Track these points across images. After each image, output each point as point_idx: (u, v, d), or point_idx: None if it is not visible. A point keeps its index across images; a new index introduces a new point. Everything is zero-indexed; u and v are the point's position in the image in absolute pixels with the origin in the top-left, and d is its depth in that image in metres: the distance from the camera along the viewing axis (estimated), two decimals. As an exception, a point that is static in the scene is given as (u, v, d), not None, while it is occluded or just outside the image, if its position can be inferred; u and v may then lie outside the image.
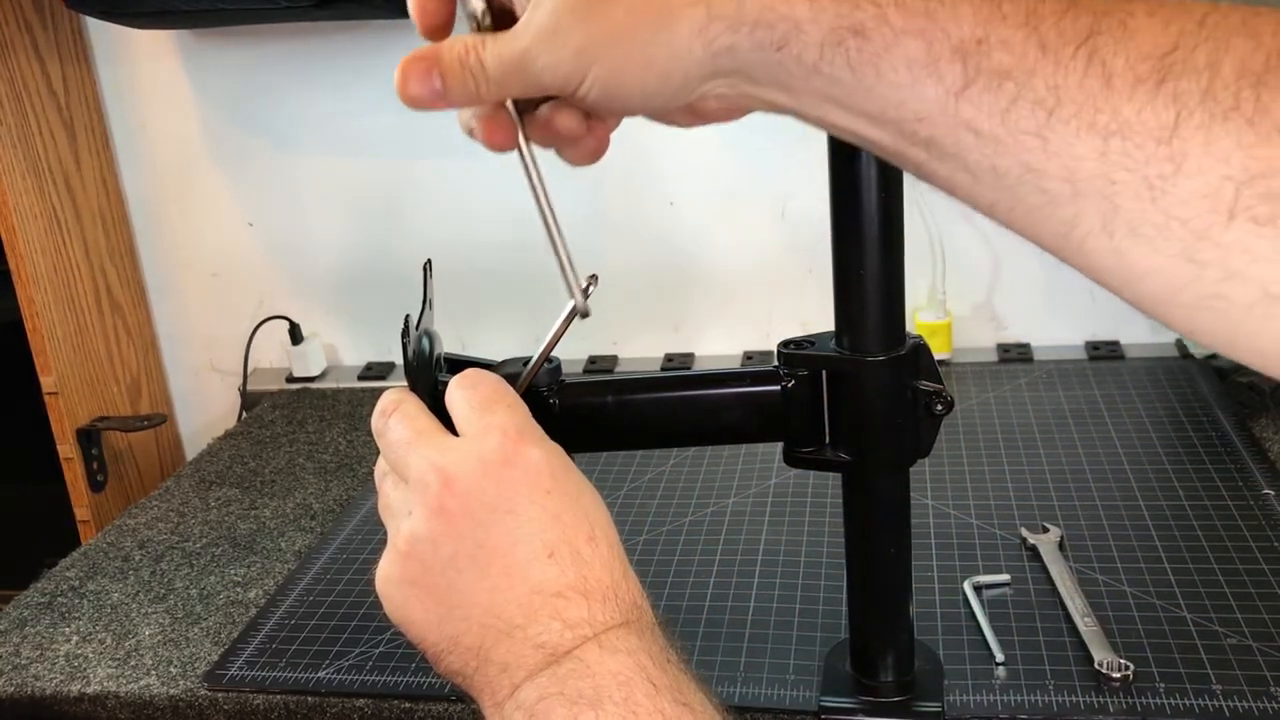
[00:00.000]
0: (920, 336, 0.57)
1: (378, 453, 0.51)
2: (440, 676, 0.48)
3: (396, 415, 0.50)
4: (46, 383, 1.18)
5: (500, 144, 0.46)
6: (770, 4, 0.38)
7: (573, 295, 0.50)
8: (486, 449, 0.47)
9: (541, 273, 1.25)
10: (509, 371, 0.58)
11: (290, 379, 1.29)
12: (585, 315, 0.52)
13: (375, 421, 0.51)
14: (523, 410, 0.49)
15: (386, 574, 0.48)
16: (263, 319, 1.29)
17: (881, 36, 0.36)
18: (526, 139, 0.46)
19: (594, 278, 0.51)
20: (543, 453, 0.47)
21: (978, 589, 0.74)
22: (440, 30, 0.46)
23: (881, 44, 0.37)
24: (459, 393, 0.50)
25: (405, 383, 0.54)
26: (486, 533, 0.45)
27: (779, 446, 0.60)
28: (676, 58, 0.39)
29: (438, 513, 0.46)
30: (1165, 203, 0.34)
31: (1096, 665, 0.65)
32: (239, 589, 0.86)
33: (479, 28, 0.45)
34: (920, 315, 1.15)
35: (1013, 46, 0.35)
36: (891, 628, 0.64)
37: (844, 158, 0.54)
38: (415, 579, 0.46)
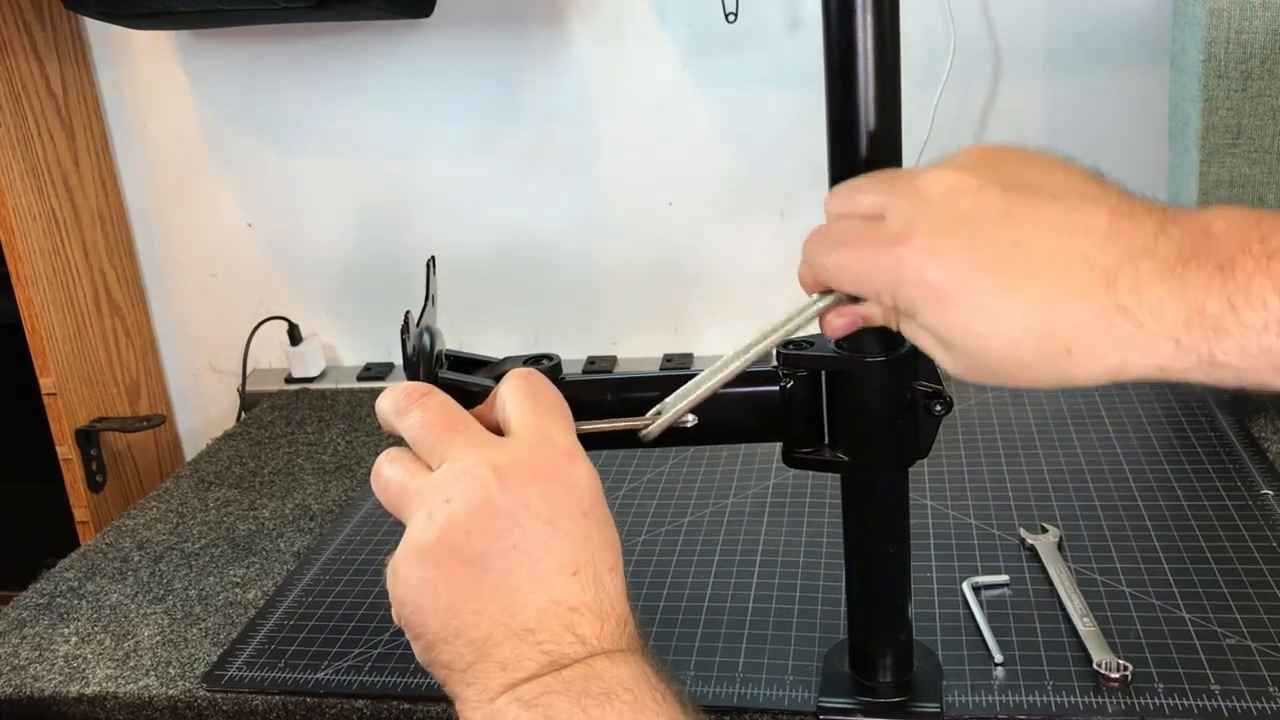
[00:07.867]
0: (919, 337, 0.57)
1: (377, 454, 0.51)
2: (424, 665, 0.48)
3: (427, 400, 0.50)
4: (45, 384, 1.18)
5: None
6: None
7: (657, 417, 0.54)
8: (539, 457, 0.48)
9: (540, 273, 1.26)
10: (508, 371, 0.58)
11: (289, 379, 1.29)
12: (645, 439, 0.56)
13: (399, 401, 0.50)
14: (573, 429, 0.51)
15: (407, 555, 0.47)
16: (262, 319, 1.29)
17: None
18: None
19: (688, 420, 0.55)
20: (588, 475, 0.49)
21: (976, 589, 0.74)
22: None
23: None
24: (520, 389, 0.51)
25: (405, 381, 0.54)
26: (523, 536, 0.46)
27: (779, 446, 0.60)
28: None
29: (482, 506, 0.46)
30: None
31: (1095, 666, 0.65)
32: (238, 590, 0.86)
33: None
34: (919, 316, 1.14)
35: None
36: (890, 628, 0.64)
37: (843, 157, 0.54)
38: (439, 564, 0.46)
